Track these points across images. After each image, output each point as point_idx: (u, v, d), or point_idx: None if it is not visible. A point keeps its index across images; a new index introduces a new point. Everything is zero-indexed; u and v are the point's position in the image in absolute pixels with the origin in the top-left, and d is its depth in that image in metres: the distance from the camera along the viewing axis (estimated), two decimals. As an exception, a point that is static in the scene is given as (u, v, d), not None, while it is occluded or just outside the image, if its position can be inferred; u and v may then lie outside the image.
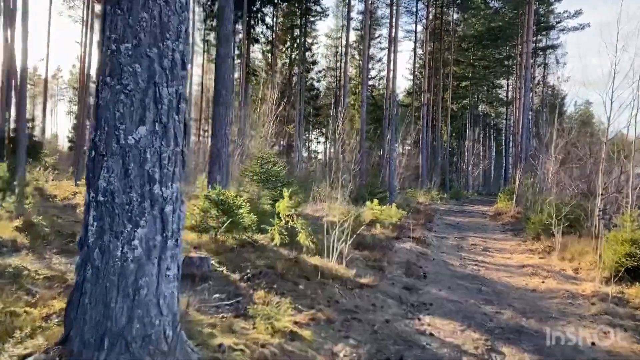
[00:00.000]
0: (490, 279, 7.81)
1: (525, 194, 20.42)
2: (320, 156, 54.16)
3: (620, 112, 10.52)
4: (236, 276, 5.57)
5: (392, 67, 22.05)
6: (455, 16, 41.84)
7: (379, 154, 33.06)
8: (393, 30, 23.01)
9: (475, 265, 8.93)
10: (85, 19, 25.76)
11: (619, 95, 10.51)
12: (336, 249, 7.15)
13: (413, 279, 7.27)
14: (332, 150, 47.50)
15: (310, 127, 51.87)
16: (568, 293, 6.76)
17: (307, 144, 53.08)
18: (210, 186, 10.66)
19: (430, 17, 39.39)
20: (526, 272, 8.30)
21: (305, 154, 47.93)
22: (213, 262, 5.85)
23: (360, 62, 47.58)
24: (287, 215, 7.91)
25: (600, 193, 10.35)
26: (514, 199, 21.75)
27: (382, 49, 44.98)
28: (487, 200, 30.91)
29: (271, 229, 7.69)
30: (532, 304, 6.16)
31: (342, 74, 36.18)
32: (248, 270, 5.72)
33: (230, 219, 7.53)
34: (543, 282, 7.60)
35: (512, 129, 45.68)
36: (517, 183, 22.76)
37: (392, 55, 25.98)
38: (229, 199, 7.70)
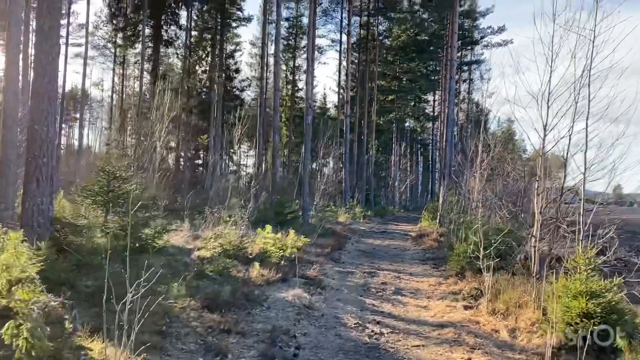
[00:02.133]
0: (394, 353, 5.27)
1: (449, 213, 18.55)
2: (250, 170, 50.96)
3: (557, 118, 8.45)
4: None
5: (309, 79, 19.59)
6: (382, 27, 40.47)
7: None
8: (310, 38, 20.54)
9: (378, 324, 6.37)
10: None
11: (556, 99, 8.49)
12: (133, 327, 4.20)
13: (272, 364, 4.58)
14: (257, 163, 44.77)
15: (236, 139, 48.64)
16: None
17: (235, 157, 49.80)
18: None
19: (357, 26, 37.80)
20: (446, 338, 5.82)
21: (233, 168, 44.77)
22: None
23: (287, 72, 45.58)
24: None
25: (538, 218, 8.19)
26: (438, 218, 19.87)
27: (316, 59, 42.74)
28: (412, 218, 29.19)
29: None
30: None
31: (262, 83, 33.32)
32: None
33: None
34: (470, 358, 5.15)
35: (438, 144, 45.13)
36: (440, 200, 20.95)
37: (310, 64, 23.87)
38: None
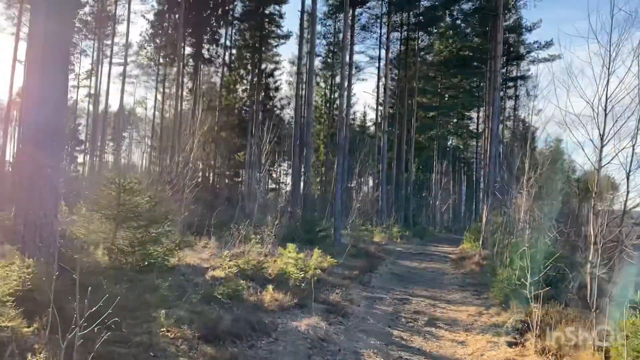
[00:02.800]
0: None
1: (493, 234, 17.27)
2: (289, 188, 50.64)
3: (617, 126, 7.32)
4: None
5: (344, 93, 18.92)
6: (423, 43, 39.51)
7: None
8: (346, 49, 19.95)
9: (405, 364, 5.44)
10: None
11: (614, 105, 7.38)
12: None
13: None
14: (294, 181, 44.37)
15: (276, 157, 48.63)
16: None
17: (274, 175, 49.61)
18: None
19: (396, 42, 37.02)
20: (485, 385, 4.84)
21: (272, 186, 44.54)
22: None
23: (326, 90, 45.24)
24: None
25: (594, 241, 7.05)
26: (481, 239, 18.57)
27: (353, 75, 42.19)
28: (454, 239, 27.77)
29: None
30: None
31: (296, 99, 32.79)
32: None
33: None
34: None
35: (482, 162, 43.34)
36: (483, 221, 19.62)
37: (345, 81, 23.34)
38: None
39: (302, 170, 18.32)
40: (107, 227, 8.08)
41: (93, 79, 38.21)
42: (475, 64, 39.50)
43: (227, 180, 35.18)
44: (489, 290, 9.70)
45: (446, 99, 43.20)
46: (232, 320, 5.49)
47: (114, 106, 46.22)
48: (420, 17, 34.66)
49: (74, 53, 37.72)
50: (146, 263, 6.81)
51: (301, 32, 30.17)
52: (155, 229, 8.19)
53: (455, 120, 47.46)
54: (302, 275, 8.12)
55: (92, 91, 37.98)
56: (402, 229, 27.36)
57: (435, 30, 36.21)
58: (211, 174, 35.28)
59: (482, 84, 41.17)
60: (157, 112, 42.33)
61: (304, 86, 43.53)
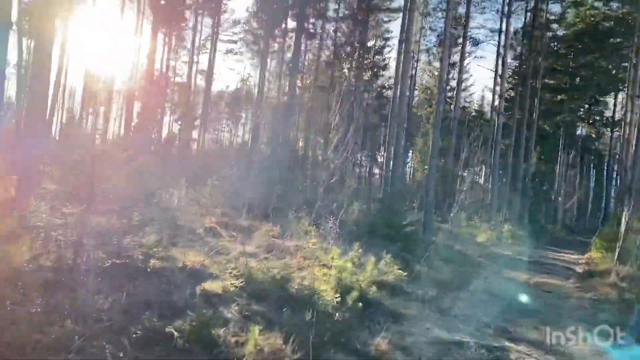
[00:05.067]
0: None
1: (637, 246, 13.40)
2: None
3: None
4: None
5: (445, 64, 16.02)
6: (554, 10, 34.20)
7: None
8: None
9: None
10: None
11: None
12: None
13: None
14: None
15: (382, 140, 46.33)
16: None
17: (380, 159, 47.38)
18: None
19: (521, 12, 32.33)
20: None
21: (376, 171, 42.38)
22: None
23: (438, 71, 41.44)
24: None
25: None
26: (617, 250, 14.58)
27: (469, 52, 37.68)
28: (578, 243, 23.40)
29: None
30: None
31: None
32: None
33: None
34: None
35: (617, 155, 37.25)
36: (623, 227, 15.51)
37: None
38: None
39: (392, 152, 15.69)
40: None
41: (205, 55, 38.32)
42: (617, 41, 33.53)
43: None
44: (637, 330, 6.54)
45: (577, 80, 37.44)
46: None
47: (223, 83, 46.80)
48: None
49: (185, 29, 38.19)
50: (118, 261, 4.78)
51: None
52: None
53: (587, 105, 41.21)
54: (338, 297, 5.64)
55: (204, 67, 38.12)
56: (514, 227, 23.49)
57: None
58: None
59: (624, 64, 34.93)
60: (259, 89, 41.85)
61: (413, 63, 40.49)
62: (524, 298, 9.06)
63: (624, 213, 16.29)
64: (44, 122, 9.15)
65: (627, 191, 18.34)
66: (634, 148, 17.87)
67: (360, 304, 5.64)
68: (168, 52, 37.63)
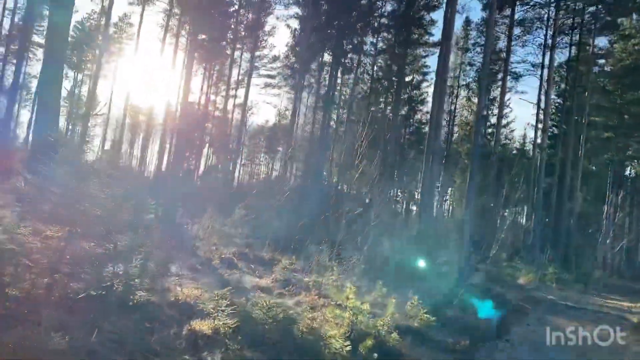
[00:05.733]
0: None
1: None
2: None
3: None
4: None
5: (482, 100, 15.39)
6: (600, 44, 33.02)
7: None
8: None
9: None
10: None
11: None
12: None
13: None
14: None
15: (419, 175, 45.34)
16: None
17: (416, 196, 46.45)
18: None
19: (565, 45, 31.27)
20: None
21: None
22: None
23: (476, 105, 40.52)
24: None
25: None
26: (677, 299, 13.20)
27: (510, 88, 36.62)
28: (630, 289, 21.63)
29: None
30: None
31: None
32: None
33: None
34: None
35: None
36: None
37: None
38: None
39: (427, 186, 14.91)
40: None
41: (242, 89, 38.84)
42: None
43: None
44: None
45: (626, 117, 35.83)
46: None
47: (262, 117, 47.41)
48: (602, 12, 28.60)
49: (225, 63, 39.01)
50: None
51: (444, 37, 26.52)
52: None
53: (636, 143, 39.33)
54: (348, 346, 4.89)
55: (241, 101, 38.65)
56: (559, 270, 21.99)
57: (620, 30, 29.76)
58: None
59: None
60: (293, 122, 42.03)
61: (452, 99, 39.66)
62: (573, 353, 7.98)
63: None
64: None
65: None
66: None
67: (376, 354, 4.86)
68: (208, 86, 38.38)
